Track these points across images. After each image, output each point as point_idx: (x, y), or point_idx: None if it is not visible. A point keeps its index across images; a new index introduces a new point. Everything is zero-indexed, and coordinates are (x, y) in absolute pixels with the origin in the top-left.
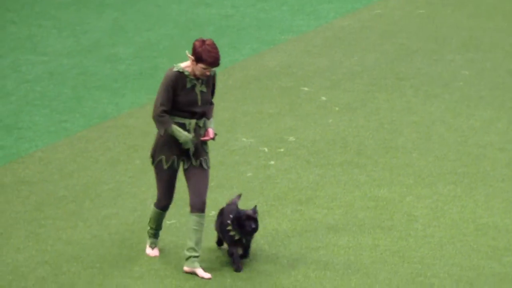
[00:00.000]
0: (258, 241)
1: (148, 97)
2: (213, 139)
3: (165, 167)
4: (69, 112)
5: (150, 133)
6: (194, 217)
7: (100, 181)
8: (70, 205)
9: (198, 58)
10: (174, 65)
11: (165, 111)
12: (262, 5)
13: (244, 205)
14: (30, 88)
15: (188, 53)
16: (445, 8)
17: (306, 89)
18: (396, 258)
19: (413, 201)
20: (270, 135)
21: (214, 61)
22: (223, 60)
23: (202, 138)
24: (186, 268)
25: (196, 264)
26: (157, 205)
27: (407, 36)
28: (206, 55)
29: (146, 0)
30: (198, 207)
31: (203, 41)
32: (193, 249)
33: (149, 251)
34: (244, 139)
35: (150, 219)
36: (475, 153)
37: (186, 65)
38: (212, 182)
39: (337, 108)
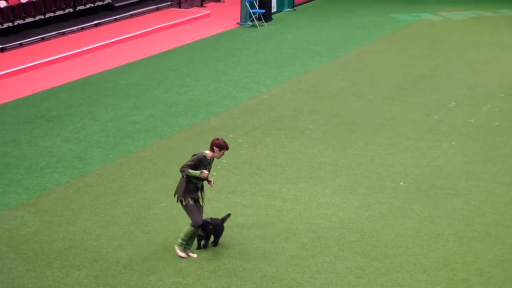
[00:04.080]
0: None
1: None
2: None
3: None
4: None
5: None
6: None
7: None
8: None
9: (219, 147)
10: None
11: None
12: (215, 85)
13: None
14: None
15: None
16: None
17: (231, 136)
18: None
19: None
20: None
21: (227, 147)
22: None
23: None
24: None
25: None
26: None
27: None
28: (224, 144)
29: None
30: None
31: (218, 139)
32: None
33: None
34: None
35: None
36: None
37: (207, 152)
38: None
39: (240, 140)
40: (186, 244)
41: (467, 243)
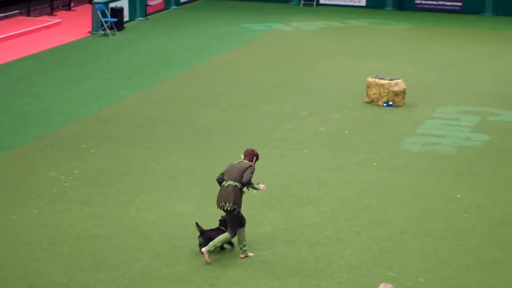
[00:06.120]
0: None
1: None
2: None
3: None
4: None
5: None
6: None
7: None
8: None
9: (258, 158)
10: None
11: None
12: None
13: None
14: None
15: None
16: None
17: (83, 146)
18: None
19: None
20: None
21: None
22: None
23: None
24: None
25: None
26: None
27: None
28: (259, 156)
29: None
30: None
31: (254, 149)
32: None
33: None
34: None
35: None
36: None
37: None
38: None
39: (93, 150)
40: (220, 248)
41: (319, 250)
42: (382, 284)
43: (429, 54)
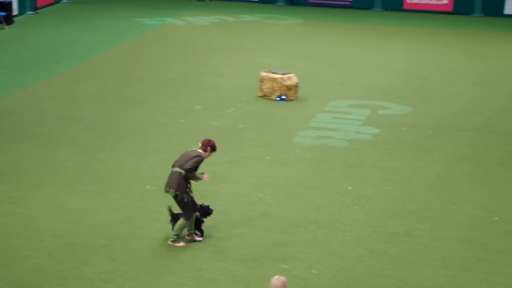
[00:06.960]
0: None
1: None
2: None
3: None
4: None
5: None
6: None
7: None
8: None
9: (213, 148)
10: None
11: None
12: None
13: None
14: None
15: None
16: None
17: None
18: None
19: None
20: None
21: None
22: None
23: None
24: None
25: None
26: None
27: None
28: (216, 147)
29: None
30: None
31: (211, 140)
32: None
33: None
34: None
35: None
36: None
37: (203, 153)
38: None
39: None
40: (178, 237)
41: (213, 244)
42: (276, 277)
43: (321, 48)
